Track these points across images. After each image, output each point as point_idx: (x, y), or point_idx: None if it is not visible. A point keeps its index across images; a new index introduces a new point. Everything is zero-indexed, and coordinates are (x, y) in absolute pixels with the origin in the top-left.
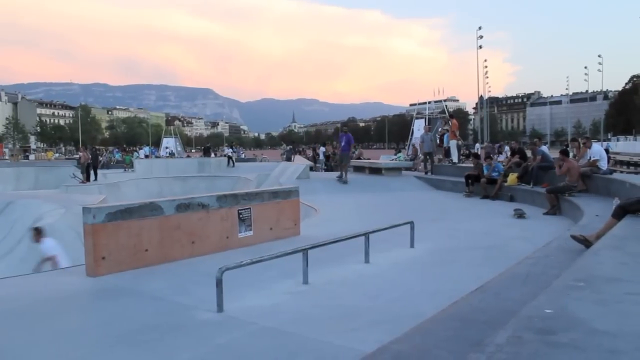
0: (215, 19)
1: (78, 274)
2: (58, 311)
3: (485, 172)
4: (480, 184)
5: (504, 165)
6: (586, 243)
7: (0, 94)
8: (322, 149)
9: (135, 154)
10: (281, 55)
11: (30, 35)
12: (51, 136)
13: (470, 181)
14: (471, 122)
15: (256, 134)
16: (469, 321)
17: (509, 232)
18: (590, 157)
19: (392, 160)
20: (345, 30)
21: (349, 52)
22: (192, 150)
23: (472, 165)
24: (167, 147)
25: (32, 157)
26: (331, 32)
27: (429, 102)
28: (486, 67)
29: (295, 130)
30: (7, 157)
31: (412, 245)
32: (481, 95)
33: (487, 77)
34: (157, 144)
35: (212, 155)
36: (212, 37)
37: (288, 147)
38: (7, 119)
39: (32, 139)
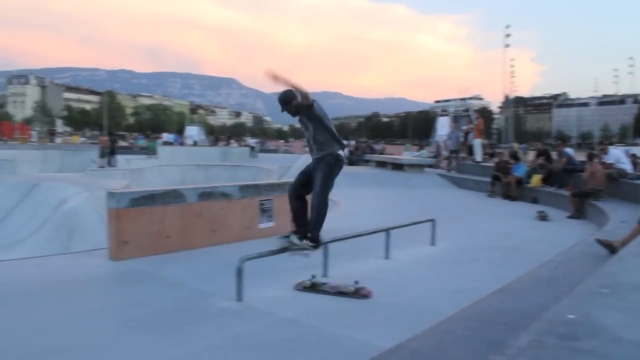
0: (239, 9)
1: (101, 257)
2: (80, 293)
3: (517, 172)
4: (505, 184)
5: (528, 167)
6: (611, 248)
7: (29, 77)
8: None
9: (159, 140)
10: (305, 47)
11: (58, 20)
12: (77, 120)
13: (496, 181)
14: (495, 121)
15: (279, 126)
16: (489, 322)
17: (531, 234)
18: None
19: (415, 156)
20: (369, 24)
21: (373, 46)
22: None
23: (496, 165)
24: (191, 135)
25: (58, 140)
26: (355, 26)
27: (454, 100)
28: (512, 66)
29: None
30: (35, 140)
31: (432, 243)
32: (507, 95)
33: (513, 77)
34: (181, 131)
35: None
36: (236, 27)
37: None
38: (35, 102)
39: (59, 122)
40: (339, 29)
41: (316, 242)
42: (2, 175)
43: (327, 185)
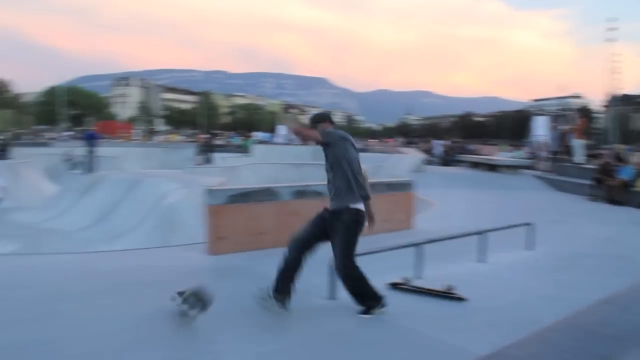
0: (330, 9)
1: (199, 251)
2: (179, 284)
3: (623, 175)
4: (609, 187)
5: (635, 169)
6: None
7: (132, 79)
8: (437, 142)
9: (252, 139)
10: (396, 46)
11: (159, 26)
12: (175, 119)
13: (598, 184)
14: (598, 120)
15: (370, 125)
16: (594, 334)
17: (638, 242)
18: None
19: (510, 157)
20: (462, 21)
21: (466, 43)
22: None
23: (599, 167)
24: (283, 134)
25: (159, 138)
26: (447, 23)
27: (551, 99)
28: (617, 61)
29: (410, 123)
30: (137, 138)
31: (530, 247)
32: (611, 92)
33: (619, 73)
34: (273, 130)
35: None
36: (327, 27)
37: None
38: (137, 102)
39: (159, 121)
40: (430, 27)
41: (380, 302)
42: (107, 171)
43: (352, 252)
